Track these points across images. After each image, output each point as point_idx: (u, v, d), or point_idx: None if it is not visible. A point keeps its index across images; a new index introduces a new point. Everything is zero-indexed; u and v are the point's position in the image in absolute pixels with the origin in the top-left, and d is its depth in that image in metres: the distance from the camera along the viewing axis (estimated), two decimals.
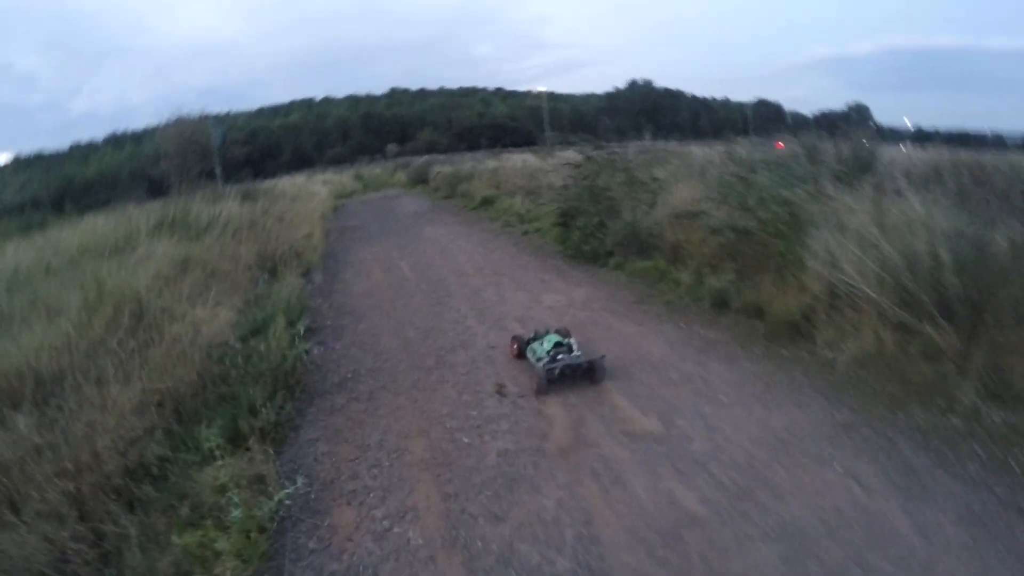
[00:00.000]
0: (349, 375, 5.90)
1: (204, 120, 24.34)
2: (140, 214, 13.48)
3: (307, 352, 6.07)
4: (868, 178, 7.82)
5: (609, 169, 10.57)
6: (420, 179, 29.51)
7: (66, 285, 7.66)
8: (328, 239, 14.43)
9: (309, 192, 23.70)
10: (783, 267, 6.55)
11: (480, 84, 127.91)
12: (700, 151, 15.60)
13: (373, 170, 45.51)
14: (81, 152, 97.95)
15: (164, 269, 8.33)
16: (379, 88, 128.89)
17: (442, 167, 28.61)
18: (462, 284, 8.99)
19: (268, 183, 27.41)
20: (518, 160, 26.81)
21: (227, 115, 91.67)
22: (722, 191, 8.39)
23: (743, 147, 12.53)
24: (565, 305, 7.55)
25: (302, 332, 6.47)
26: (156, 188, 25.00)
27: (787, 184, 7.46)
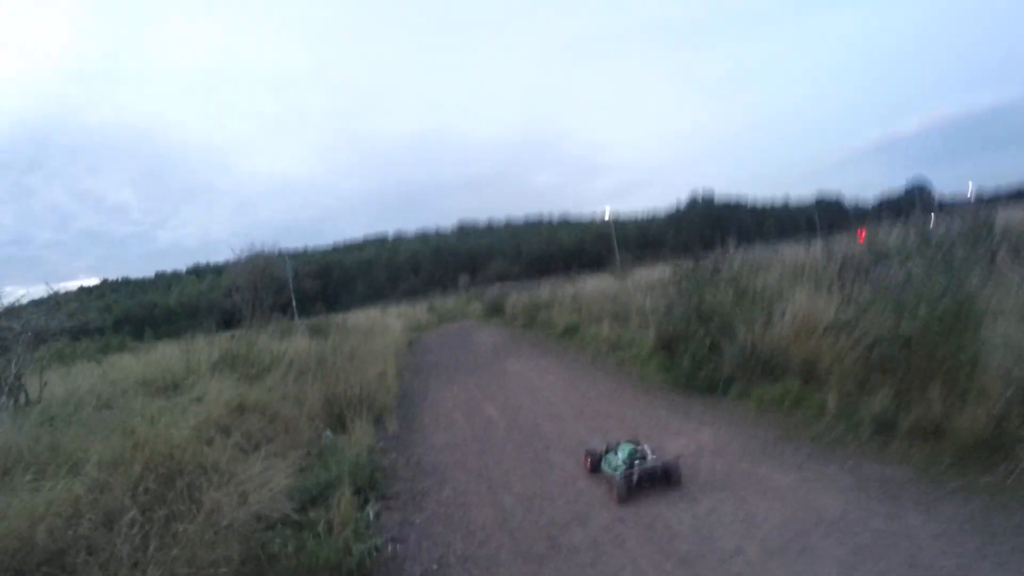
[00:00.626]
0: (435, 566, 4.52)
1: (276, 255, 24.32)
2: (204, 347, 12.74)
3: (378, 547, 4.68)
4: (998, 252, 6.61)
5: (713, 284, 9.30)
6: (495, 309, 28.55)
7: (99, 428, 6.59)
8: (402, 378, 13.30)
9: (382, 325, 22.98)
10: (953, 372, 5.25)
11: (544, 211, 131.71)
12: (791, 252, 14.24)
13: (446, 302, 45.04)
14: (164, 280, 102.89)
15: (216, 414, 7.25)
16: (448, 221, 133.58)
17: (517, 296, 27.63)
18: (561, 431, 7.56)
19: (341, 317, 26.97)
20: (593, 284, 25.80)
21: (302, 250, 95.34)
22: (861, 295, 7.03)
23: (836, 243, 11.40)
24: (693, 452, 6.08)
25: (372, 511, 5.10)
26: (229, 319, 24.88)
27: (949, 272, 6.15)
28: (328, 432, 7.36)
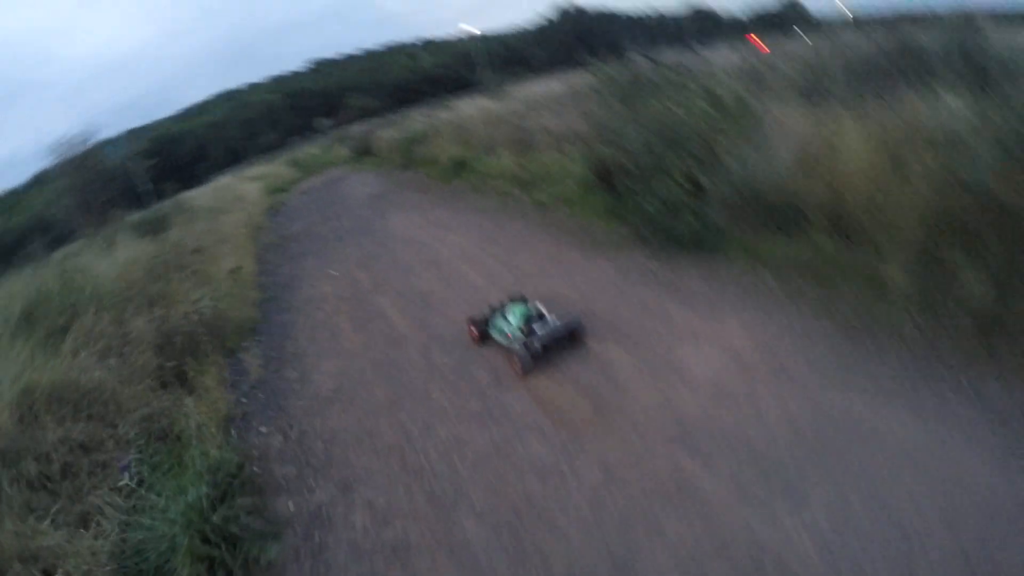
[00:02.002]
0: None
1: (97, 144, 19.79)
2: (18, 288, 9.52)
3: None
4: None
5: (674, 91, 6.77)
6: (364, 151, 24.96)
7: None
8: (264, 267, 10.30)
9: (237, 196, 19.38)
10: None
11: (402, 40, 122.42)
12: (716, 58, 11.81)
13: (309, 151, 40.24)
14: (6, 202, 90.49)
15: None
16: (301, 63, 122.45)
17: (388, 132, 23.95)
18: None
19: (189, 195, 23.11)
20: (472, 107, 22.56)
21: (146, 126, 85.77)
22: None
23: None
24: (736, 372, 3.88)
25: None
26: (62, 236, 20.54)
27: None
28: (126, 475, 4.36)
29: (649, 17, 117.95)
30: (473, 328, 5.25)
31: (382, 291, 7.27)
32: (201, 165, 68.91)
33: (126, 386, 5.45)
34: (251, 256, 10.58)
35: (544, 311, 4.96)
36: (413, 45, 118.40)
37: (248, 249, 10.96)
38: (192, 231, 12.62)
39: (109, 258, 10.37)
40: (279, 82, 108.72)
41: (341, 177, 21.78)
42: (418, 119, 23.85)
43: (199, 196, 21.02)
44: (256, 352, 6.48)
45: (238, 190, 21.42)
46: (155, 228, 13.35)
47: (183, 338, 6.39)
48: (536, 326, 4.77)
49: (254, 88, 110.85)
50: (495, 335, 5.05)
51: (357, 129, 32.54)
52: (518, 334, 4.77)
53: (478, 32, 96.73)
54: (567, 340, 4.71)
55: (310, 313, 7.38)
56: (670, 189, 5.98)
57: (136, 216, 16.19)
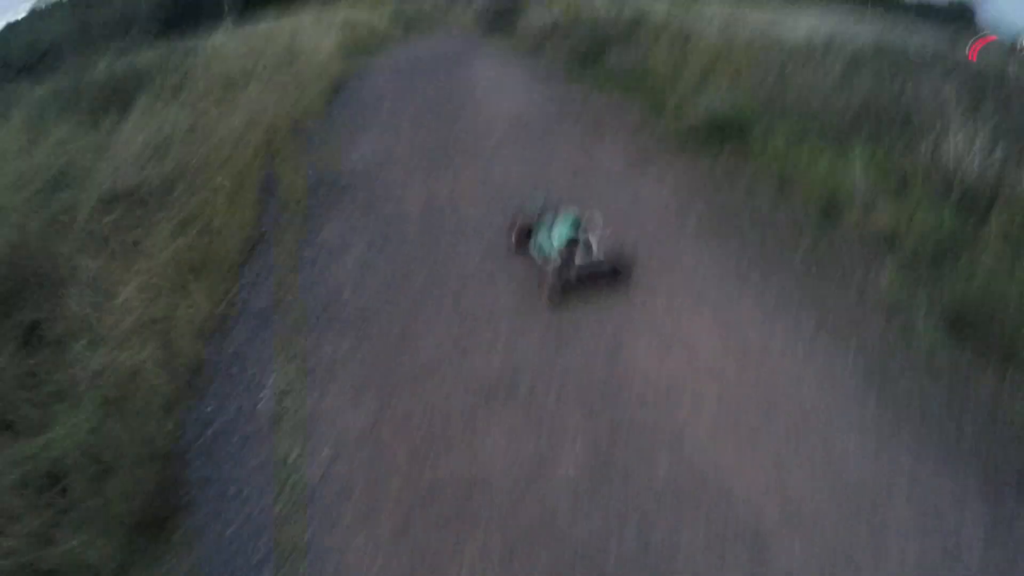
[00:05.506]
0: None
1: None
2: None
3: None
4: None
5: None
6: (500, 25, 17.27)
7: None
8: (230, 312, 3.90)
9: (293, 49, 12.33)
10: None
11: None
12: None
13: (422, 3, 32.40)
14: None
15: None
16: None
17: (541, 11, 15.40)
18: None
19: (241, 33, 16.15)
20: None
21: None
22: None
23: None
24: None
25: None
26: None
27: None
28: None
29: None
30: (515, 232, 4.13)
31: None
32: None
33: None
34: (228, 250, 4.21)
35: (599, 228, 3.77)
36: None
37: (234, 212, 4.56)
38: (166, 118, 6.18)
39: None
40: None
41: (460, 51, 14.16)
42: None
43: (245, 39, 13.95)
44: None
45: (302, 39, 13.96)
46: (104, 105, 6.75)
47: None
48: (580, 248, 3.68)
49: None
50: (532, 249, 4.01)
51: None
52: (555, 256, 3.70)
53: None
54: (611, 276, 3.74)
55: None
56: None
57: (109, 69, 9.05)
